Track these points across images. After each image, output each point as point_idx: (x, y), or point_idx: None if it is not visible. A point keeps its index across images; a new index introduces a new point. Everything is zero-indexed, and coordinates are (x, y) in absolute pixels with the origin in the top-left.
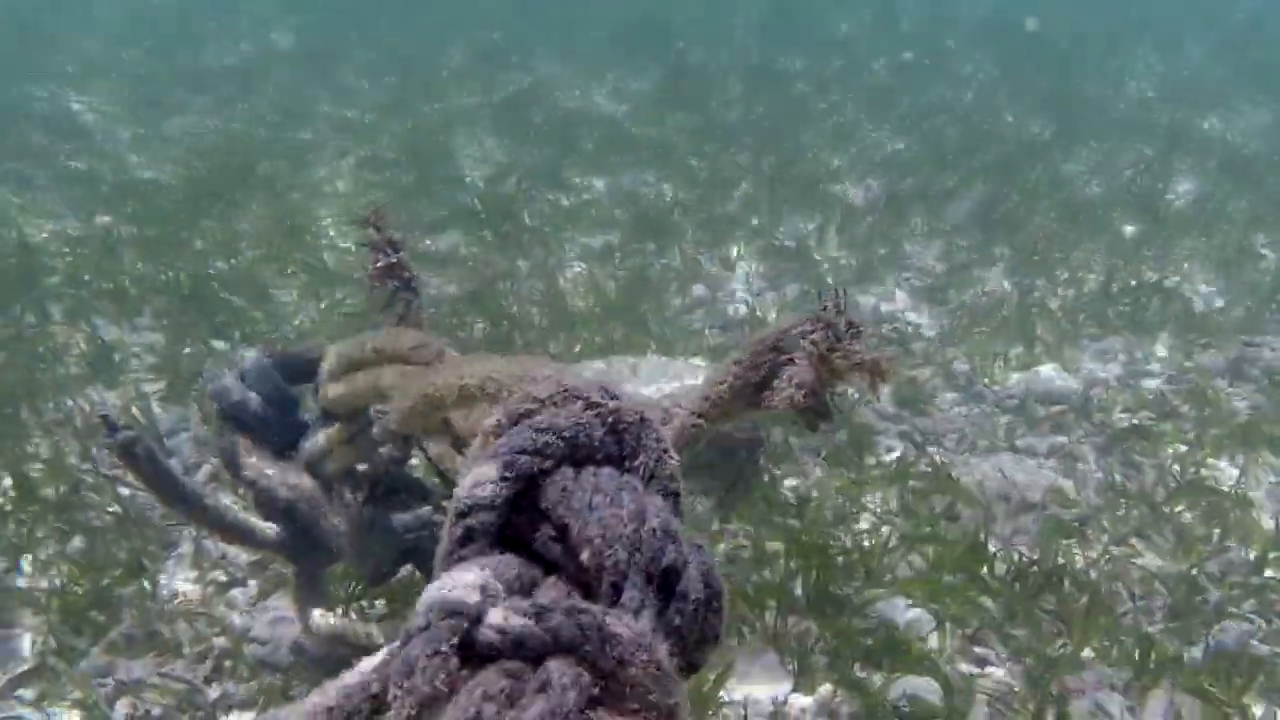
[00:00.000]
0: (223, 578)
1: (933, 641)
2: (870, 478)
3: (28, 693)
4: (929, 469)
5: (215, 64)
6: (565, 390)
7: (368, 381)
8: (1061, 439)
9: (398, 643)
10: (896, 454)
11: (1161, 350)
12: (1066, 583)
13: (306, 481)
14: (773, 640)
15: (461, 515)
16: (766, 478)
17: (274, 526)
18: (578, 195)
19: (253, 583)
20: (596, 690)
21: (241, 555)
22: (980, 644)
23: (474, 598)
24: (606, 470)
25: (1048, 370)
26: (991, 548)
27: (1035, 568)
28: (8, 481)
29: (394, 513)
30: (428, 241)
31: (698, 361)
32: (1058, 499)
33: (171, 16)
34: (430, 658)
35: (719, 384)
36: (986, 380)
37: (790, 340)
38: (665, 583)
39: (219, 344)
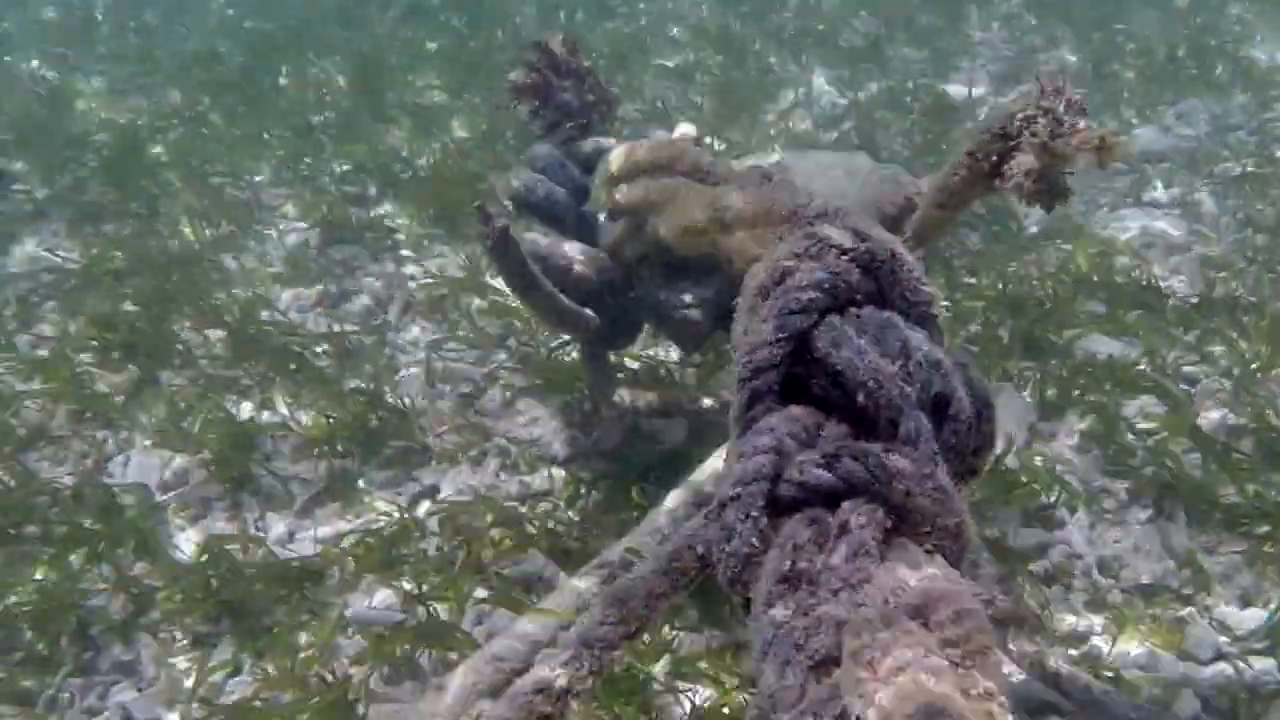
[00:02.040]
0: None
1: (1143, 366)
2: (1027, 242)
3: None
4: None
5: None
6: (819, 241)
7: (656, 193)
8: (1178, 190)
9: (714, 506)
10: (1034, 221)
11: (1240, 104)
12: (1236, 310)
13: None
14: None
15: (746, 379)
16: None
17: (591, 311)
18: (632, 21)
19: None
20: (890, 523)
21: None
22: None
23: (770, 459)
24: (868, 310)
25: (1143, 131)
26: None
27: (1197, 299)
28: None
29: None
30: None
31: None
32: (1199, 240)
33: None
34: (744, 521)
35: (954, 175)
36: None
37: (1015, 125)
38: (937, 408)
39: (351, 188)
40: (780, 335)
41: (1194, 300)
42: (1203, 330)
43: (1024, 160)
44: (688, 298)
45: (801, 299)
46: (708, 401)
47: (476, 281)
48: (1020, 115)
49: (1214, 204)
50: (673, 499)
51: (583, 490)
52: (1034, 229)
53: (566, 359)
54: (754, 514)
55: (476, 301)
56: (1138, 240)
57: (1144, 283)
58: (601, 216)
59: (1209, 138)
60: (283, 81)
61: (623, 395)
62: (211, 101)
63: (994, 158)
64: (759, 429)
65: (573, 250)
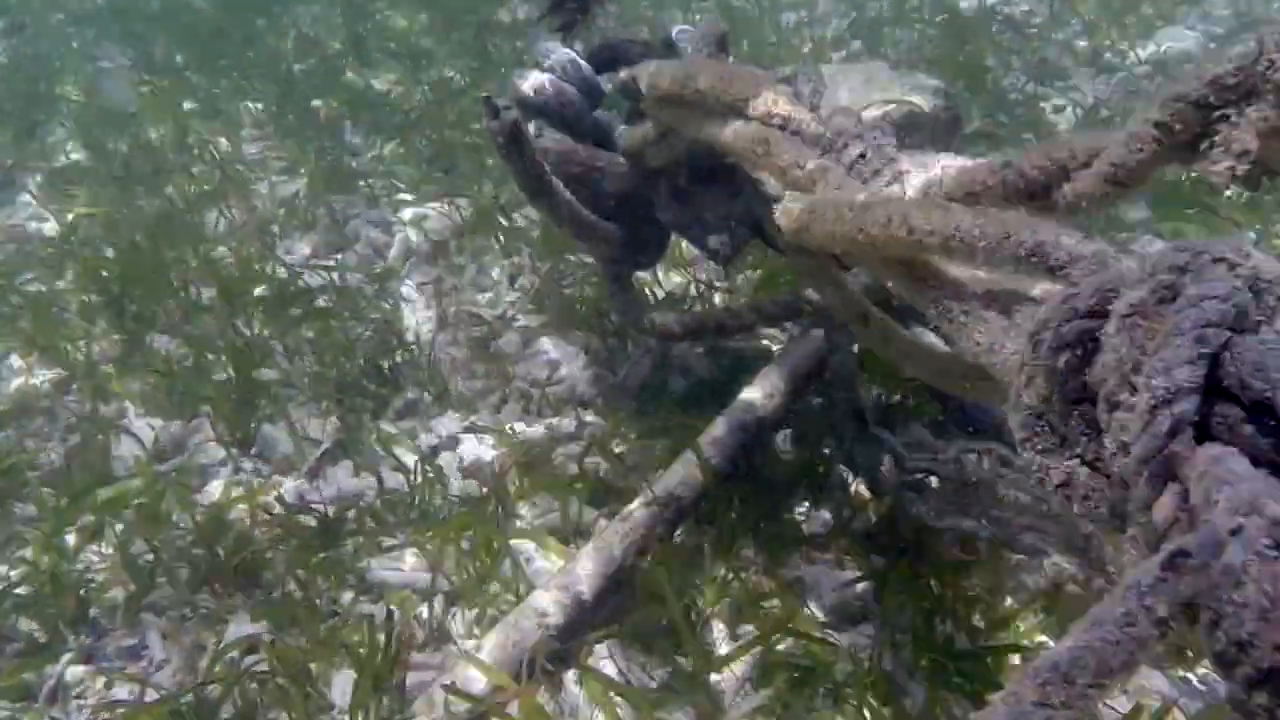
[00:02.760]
0: None
1: None
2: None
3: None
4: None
5: None
6: (1202, 253)
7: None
8: None
9: (1189, 544)
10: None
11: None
12: None
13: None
14: None
15: (1161, 405)
16: None
17: (612, 224)
18: None
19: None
20: None
21: None
22: None
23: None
24: (1270, 334)
25: (1170, 32)
26: None
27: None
28: None
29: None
30: None
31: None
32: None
33: None
34: (1261, 565)
35: (1136, 149)
36: (1110, 44)
37: (1225, 95)
38: None
39: (343, 137)
40: (1202, 351)
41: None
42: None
43: (1239, 137)
44: (710, 219)
45: (1213, 312)
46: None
47: (482, 221)
48: (1233, 83)
49: None
50: (719, 426)
51: (617, 430)
52: (1060, 115)
53: (585, 292)
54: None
55: (482, 242)
56: None
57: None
58: (617, 118)
59: (1233, 34)
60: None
61: (653, 317)
62: (187, 56)
63: (1190, 131)
64: (1224, 475)
65: (588, 155)
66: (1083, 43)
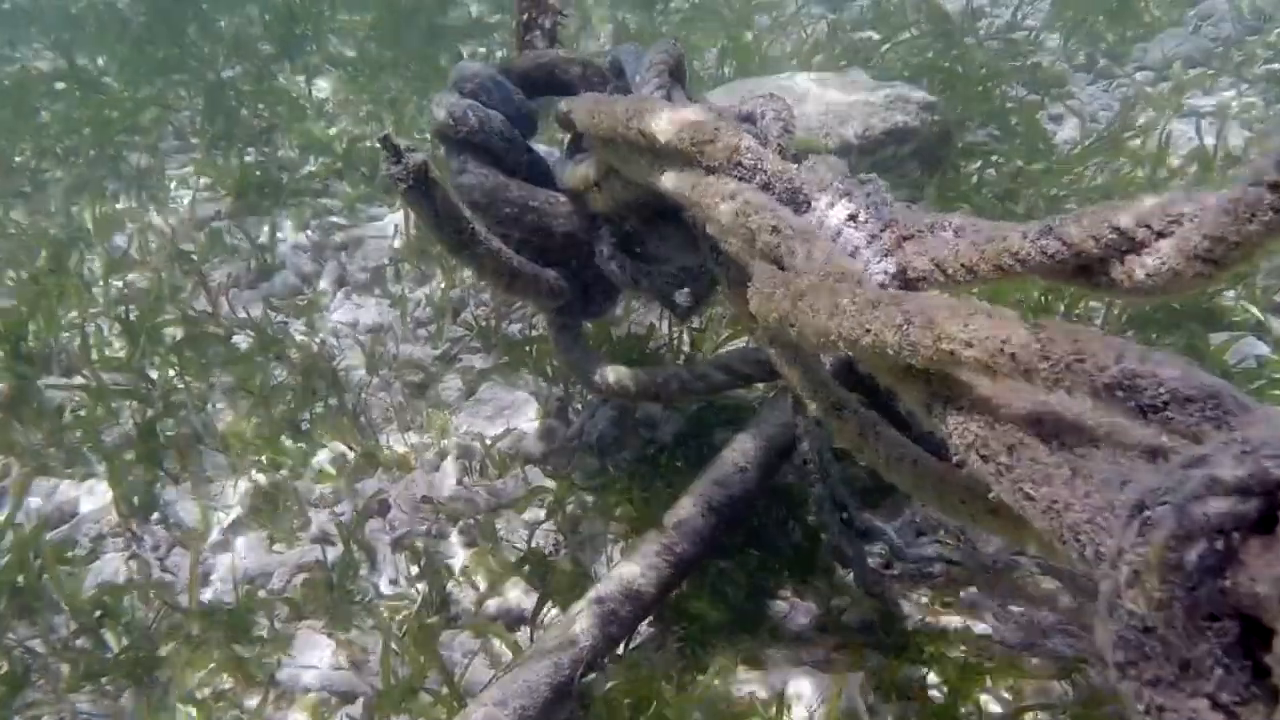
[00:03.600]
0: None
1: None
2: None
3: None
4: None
5: None
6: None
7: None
8: (1227, 94)
9: None
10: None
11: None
12: None
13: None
14: None
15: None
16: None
17: (553, 272)
18: None
19: None
20: None
21: None
22: None
23: None
24: None
25: (1173, 35)
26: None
27: None
28: None
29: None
30: None
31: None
32: (1259, 145)
33: None
34: None
35: (1246, 219)
36: (1106, 47)
37: None
38: None
39: (269, 149)
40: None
41: None
42: None
43: None
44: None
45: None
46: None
47: (422, 247)
48: None
49: (1266, 107)
50: (686, 506)
51: (570, 496)
52: (1066, 146)
53: (534, 334)
54: None
55: (422, 271)
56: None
57: None
58: (556, 151)
59: (1234, 38)
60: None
61: (605, 374)
62: (108, 60)
63: None
64: None
65: (521, 193)
66: (1077, 47)
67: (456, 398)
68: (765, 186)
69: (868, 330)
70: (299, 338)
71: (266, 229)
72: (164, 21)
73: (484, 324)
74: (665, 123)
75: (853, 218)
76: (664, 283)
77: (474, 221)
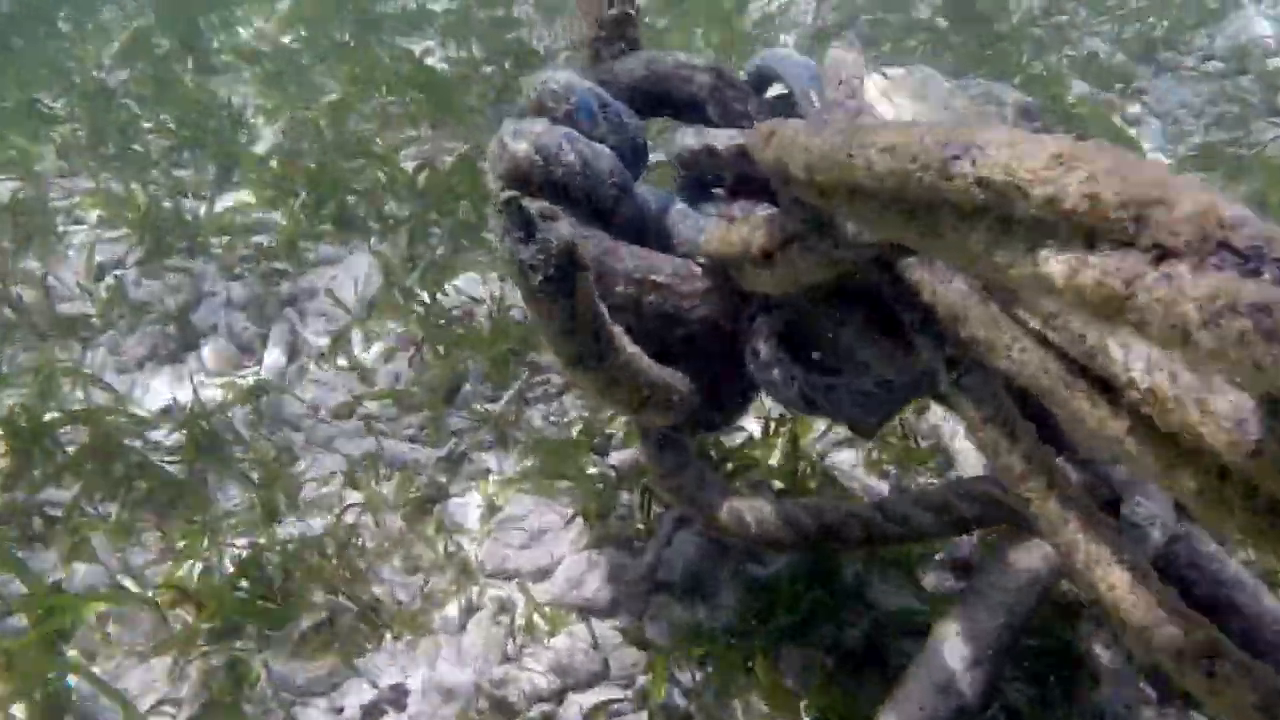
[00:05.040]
0: None
1: None
2: None
3: None
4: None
5: None
6: None
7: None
8: None
9: None
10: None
11: None
12: None
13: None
14: None
15: None
16: None
17: (680, 374)
18: None
19: None
20: None
21: None
22: None
23: None
24: None
25: (1247, 14)
26: None
27: None
28: None
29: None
30: None
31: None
32: None
33: None
34: None
35: None
36: (1164, 35)
37: None
38: None
39: (180, 173)
40: None
41: None
42: None
43: None
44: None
45: None
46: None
47: (391, 298)
48: None
49: None
50: None
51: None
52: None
53: (569, 413)
54: None
55: (400, 333)
56: None
57: None
58: (677, 201)
59: None
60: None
61: (737, 511)
62: None
63: None
64: None
65: (643, 263)
66: (1129, 35)
67: (475, 518)
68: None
69: None
70: (246, 434)
71: (183, 279)
72: (30, 11)
73: (495, 411)
74: (1042, 159)
75: None
76: (854, 406)
77: (611, 323)
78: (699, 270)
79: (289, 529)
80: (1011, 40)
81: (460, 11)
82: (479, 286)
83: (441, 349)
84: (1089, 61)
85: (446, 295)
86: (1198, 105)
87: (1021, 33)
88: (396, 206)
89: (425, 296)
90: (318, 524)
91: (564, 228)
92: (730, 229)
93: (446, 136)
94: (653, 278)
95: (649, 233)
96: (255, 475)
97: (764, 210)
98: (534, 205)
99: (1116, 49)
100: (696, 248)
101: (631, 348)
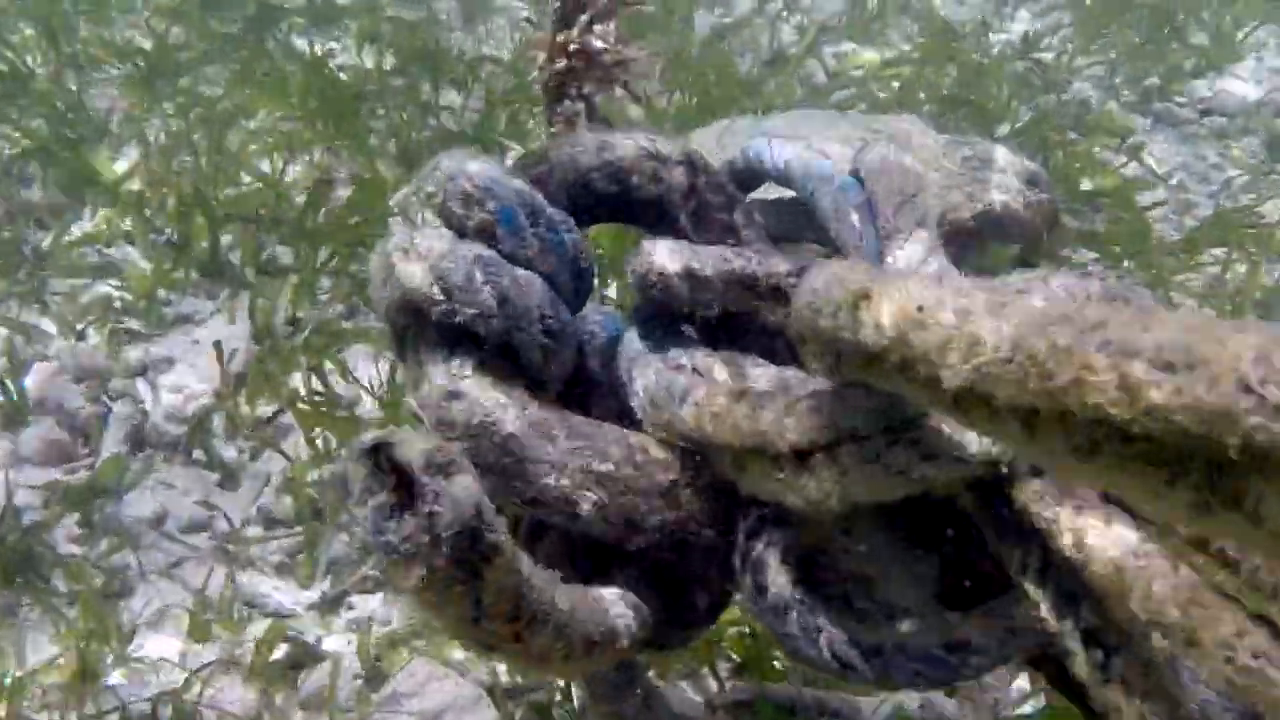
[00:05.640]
0: None
1: None
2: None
3: None
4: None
5: None
6: None
7: None
8: None
9: None
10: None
11: None
12: None
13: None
14: None
15: None
16: None
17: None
18: None
19: None
20: None
21: None
22: None
23: None
24: None
25: (1235, 77)
26: None
27: None
28: None
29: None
30: None
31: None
32: None
33: None
34: None
35: None
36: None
37: None
38: None
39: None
40: None
41: None
42: None
43: None
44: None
45: None
46: None
47: (276, 374)
48: None
49: None
50: None
51: None
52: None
53: None
54: None
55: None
56: None
57: None
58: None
59: None
60: None
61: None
62: None
63: None
64: None
65: (588, 445)
66: (1120, 82)
67: (356, 689)
68: None
69: None
70: (72, 552)
71: (10, 335)
72: None
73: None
74: None
75: None
76: (915, 676)
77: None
78: (663, 456)
79: (110, 699)
80: (991, 75)
81: (376, 6)
82: (371, 365)
83: (321, 444)
84: (1081, 109)
85: (332, 371)
86: (1200, 165)
87: (1002, 70)
88: (279, 249)
89: (307, 375)
90: (151, 688)
91: (462, 488)
92: (737, 405)
93: (347, 161)
94: (597, 467)
95: (592, 380)
96: (73, 613)
97: (758, 368)
98: (417, 455)
99: (1103, 92)
100: (664, 416)
101: (565, 601)
